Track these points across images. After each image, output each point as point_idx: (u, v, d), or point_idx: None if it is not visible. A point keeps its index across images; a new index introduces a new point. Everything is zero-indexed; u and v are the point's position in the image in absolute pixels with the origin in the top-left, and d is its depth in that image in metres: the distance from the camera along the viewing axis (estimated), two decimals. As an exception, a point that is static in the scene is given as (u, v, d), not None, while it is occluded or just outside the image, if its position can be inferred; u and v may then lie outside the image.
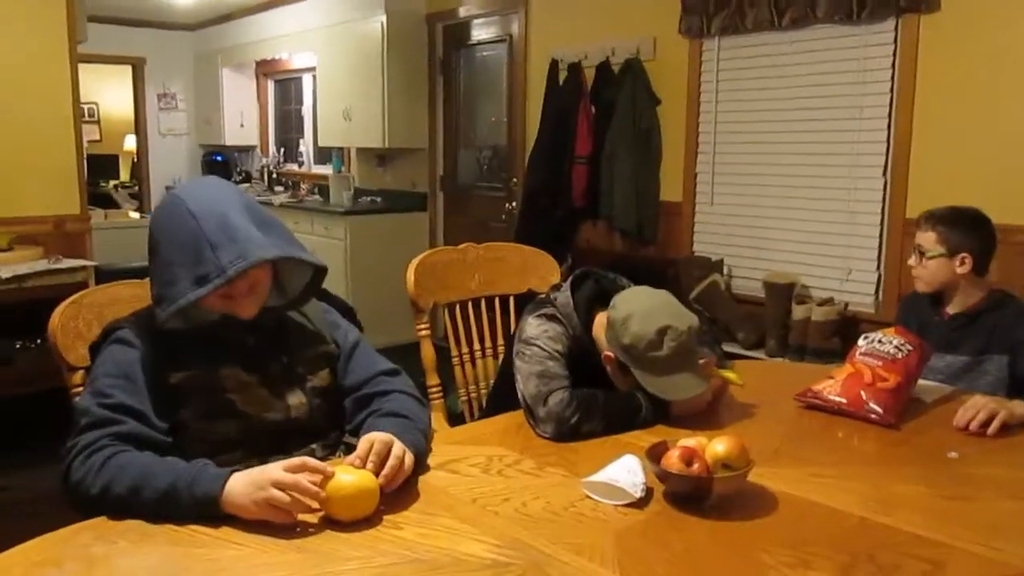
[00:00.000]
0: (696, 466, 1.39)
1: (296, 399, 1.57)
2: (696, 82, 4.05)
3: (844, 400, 1.86)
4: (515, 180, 5.10)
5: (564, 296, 1.91)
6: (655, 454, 1.44)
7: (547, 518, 1.36)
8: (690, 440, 1.45)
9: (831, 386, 1.90)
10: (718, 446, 1.41)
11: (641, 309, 1.75)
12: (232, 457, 1.47)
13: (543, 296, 1.99)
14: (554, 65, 4.55)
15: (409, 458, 1.41)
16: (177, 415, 1.47)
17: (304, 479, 1.29)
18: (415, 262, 2.21)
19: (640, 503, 1.40)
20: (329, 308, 1.73)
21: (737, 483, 1.41)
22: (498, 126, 5.39)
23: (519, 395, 1.80)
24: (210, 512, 1.29)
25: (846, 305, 3.49)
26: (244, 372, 1.53)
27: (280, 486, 1.28)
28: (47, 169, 3.40)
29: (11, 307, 2.94)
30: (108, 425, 1.38)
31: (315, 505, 1.30)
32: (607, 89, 4.27)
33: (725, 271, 3.95)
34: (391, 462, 1.37)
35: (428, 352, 2.18)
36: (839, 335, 3.38)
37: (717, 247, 4.03)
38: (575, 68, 4.40)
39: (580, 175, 4.32)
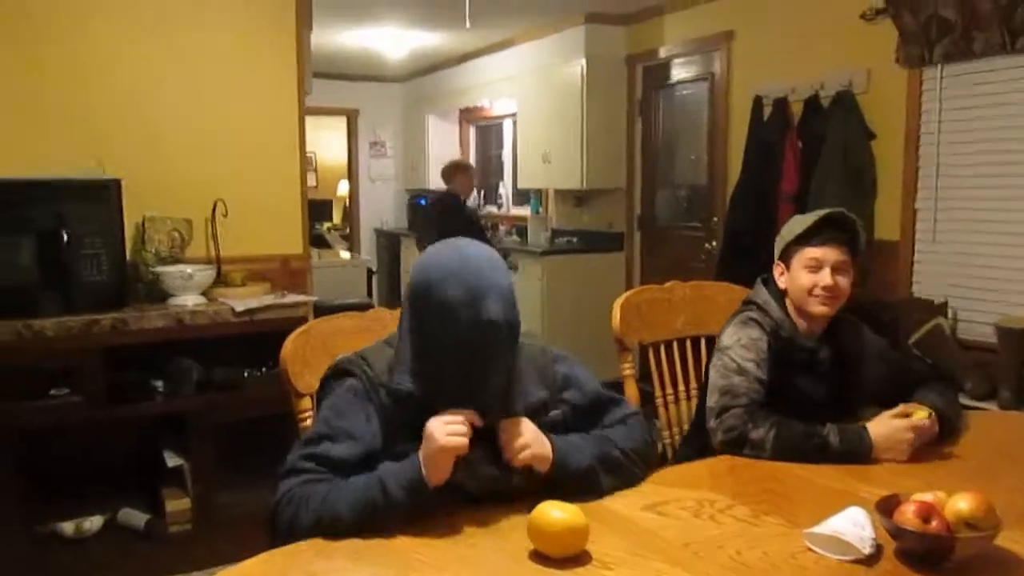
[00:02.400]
0: (935, 523, 1.27)
1: (520, 475, 1.50)
2: (916, 113, 3.81)
3: (1107, 460, 1.64)
4: (716, 219, 4.99)
5: (764, 296, 2.01)
6: (886, 507, 1.33)
7: (765, 569, 1.29)
8: (927, 495, 1.33)
9: (1090, 443, 1.69)
10: (960, 503, 1.28)
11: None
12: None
13: (745, 300, 2.07)
14: (758, 101, 4.44)
15: (540, 447, 1.47)
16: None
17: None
18: (621, 300, 2.19)
19: (869, 560, 1.29)
20: (559, 356, 1.65)
21: (983, 545, 1.27)
22: (698, 165, 5.31)
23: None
24: (420, 490, 1.38)
25: (1097, 355, 3.12)
26: (471, 445, 1.44)
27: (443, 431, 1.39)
28: (276, 213, 3.69)
29: (242, 338, 3.19)
30: (310, 476, 1.42)
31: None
32: (816, 124, 4.10)
33: (950, 314, 3.64)
34: (519, 441, 1.45)
35: (632, 392, 2.14)
36: (1089, 388, 3.02)
37: (940, 288, 3.73)
38: (781, 103, 4.27)
39: (786, 213, 4.15)
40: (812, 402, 1.89)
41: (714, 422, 1.82)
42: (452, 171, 5.93)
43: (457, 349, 1.42)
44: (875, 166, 3.97)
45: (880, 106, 3.94)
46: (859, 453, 1.73)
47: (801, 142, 4.17)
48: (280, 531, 1.39)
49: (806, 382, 1.92)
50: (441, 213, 5.78)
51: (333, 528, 1.36)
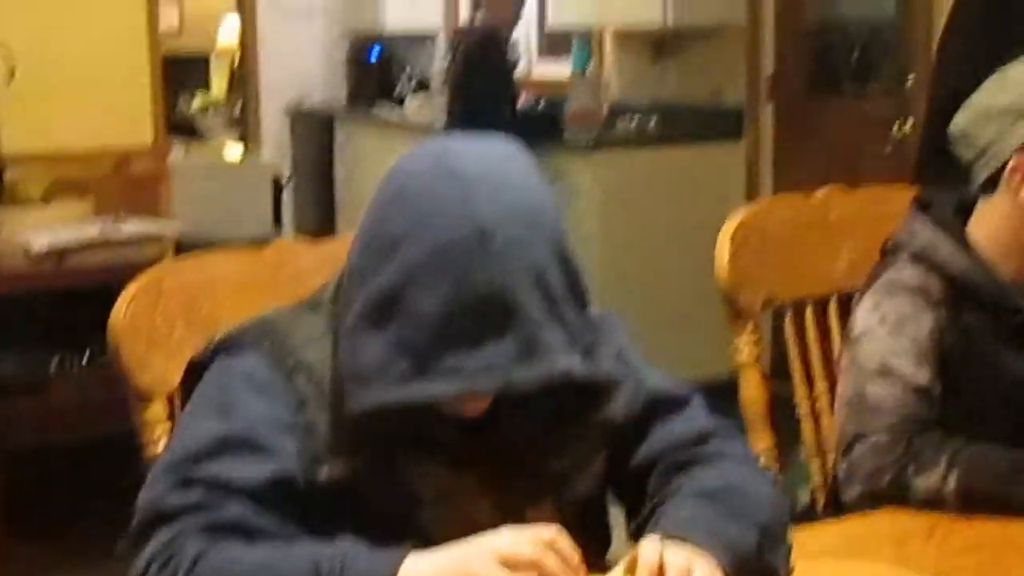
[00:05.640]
0: None
1: (540, 514, 1.52)
2: None
3: None
4: (911, 78, 4.97)
5: (921, 232, 2.01)
6: None
7: None
8: None
9: None
10: None
11: None
12: None
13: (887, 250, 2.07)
14: None
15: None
16: (321, 526, 1.46)
17: (552, 560, 1.30)
18: (733, 223, 2.19)
19: None
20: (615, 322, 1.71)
21: None
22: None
23: None
24: None
25: None
26: (449, 471, 1.52)
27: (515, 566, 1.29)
28: (105, 78, 3.67)
29: (46, 298, 3.19)
30: (197, 512, 1.41)
31: None
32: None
33: None
34: None
35: (753, 390, 2.15)
36: None
37: None
38: None
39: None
40: None
41: (843, 464, 1.89)
42: None
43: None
44: None
45: None
46: None
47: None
48: None
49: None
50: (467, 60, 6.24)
51: None
